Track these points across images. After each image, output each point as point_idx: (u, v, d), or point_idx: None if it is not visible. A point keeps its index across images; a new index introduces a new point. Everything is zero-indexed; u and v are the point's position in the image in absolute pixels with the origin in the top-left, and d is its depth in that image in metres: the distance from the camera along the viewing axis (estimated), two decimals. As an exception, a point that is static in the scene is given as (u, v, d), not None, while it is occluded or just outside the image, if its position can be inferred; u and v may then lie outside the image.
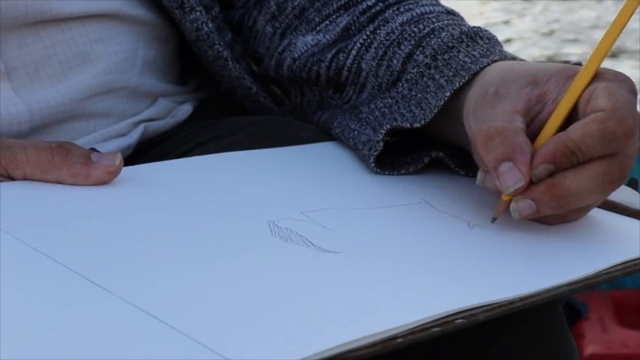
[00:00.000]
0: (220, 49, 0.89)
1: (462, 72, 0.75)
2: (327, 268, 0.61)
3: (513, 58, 0.76)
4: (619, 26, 0.69)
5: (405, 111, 0.78)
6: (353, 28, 0.86)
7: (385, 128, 0.77)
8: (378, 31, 0.83)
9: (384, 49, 0.82)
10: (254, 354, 0.50)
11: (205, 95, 0.97)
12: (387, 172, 0.77)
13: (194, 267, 0.60)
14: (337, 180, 0.77)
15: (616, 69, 0.71)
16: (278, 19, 0.91)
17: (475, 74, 0.74)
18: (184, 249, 0.63)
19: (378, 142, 0.77)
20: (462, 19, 0.83)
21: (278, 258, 0.62)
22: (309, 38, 0.88)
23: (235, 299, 0.56)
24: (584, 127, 0.66)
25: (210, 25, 0.88)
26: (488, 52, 0.76)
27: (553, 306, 0.71)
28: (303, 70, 0.88)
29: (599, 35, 0.70)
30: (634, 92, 0.69)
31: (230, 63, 0.90)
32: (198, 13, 0.88)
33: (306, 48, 0.88)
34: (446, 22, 0.81)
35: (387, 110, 0.80)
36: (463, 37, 0.78)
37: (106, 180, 0.71)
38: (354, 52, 0.84)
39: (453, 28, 0.79)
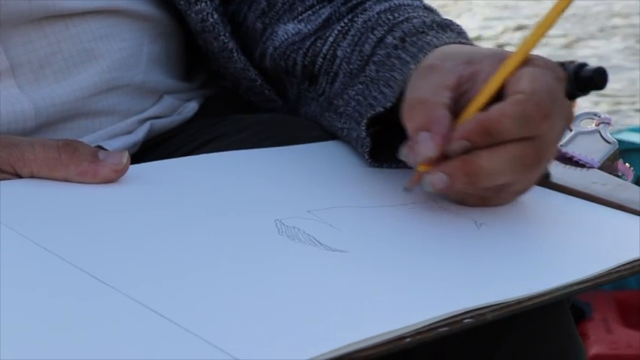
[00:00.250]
0: (226, 40, 0.89)
1: (426, 48, 0.75)
2: (335, 267, 0.61)
3: None
4: (555, 14, 0.69)
5: (376, 93, 0.78)
6: (333, 17, 0.87)
7: (364, 121, 0.77)
8: (355, 19, 0.84)
9: (359, 36, 0.83)
10: (262, 354, 0.50)
11: (211, 93, 0.97)
12: (385, 165, 0.78)
13: (201, 265, 0.60)
14: (344, 178, 0.77)
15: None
16: (268, 15, 0.91)
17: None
18: (191, 247, 0.62)
19: (364, 137, 0.77)
20: (438, 14, 0.84)
21: (285, 257, 0.62)
22: (290, 27, 0.88)
23: (242, 298, 0.56)
24: (502, 108, 0.67)
25: (215, 16, 0.88)
26: (456, 40, 0.77)
27: (561, 305, 0.71)
28: (282, 58, 0.88)
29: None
30: (560, 80, 0.70)
31: (235, 54, 0.90)
32: (203, 4, 0.88)
33: (286, 36, 0.88)
34: (421, 13, 0.82)
35: (360, 97, 0.80)
36: (434, 25, 0.79)
37: (114, 178, 0.71)
38: (330, 39, 0.85)
39: (427, 17, 0.80)
